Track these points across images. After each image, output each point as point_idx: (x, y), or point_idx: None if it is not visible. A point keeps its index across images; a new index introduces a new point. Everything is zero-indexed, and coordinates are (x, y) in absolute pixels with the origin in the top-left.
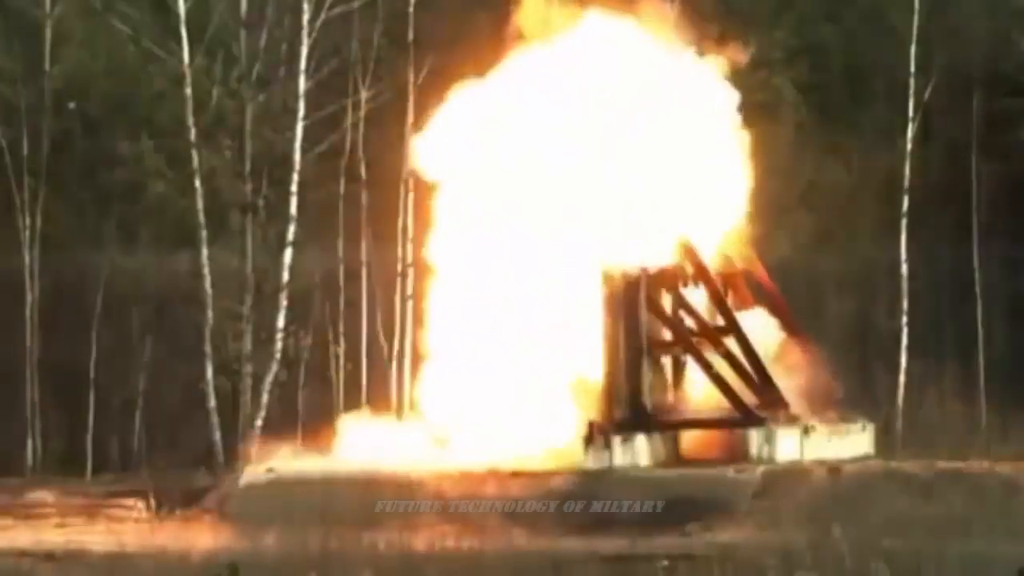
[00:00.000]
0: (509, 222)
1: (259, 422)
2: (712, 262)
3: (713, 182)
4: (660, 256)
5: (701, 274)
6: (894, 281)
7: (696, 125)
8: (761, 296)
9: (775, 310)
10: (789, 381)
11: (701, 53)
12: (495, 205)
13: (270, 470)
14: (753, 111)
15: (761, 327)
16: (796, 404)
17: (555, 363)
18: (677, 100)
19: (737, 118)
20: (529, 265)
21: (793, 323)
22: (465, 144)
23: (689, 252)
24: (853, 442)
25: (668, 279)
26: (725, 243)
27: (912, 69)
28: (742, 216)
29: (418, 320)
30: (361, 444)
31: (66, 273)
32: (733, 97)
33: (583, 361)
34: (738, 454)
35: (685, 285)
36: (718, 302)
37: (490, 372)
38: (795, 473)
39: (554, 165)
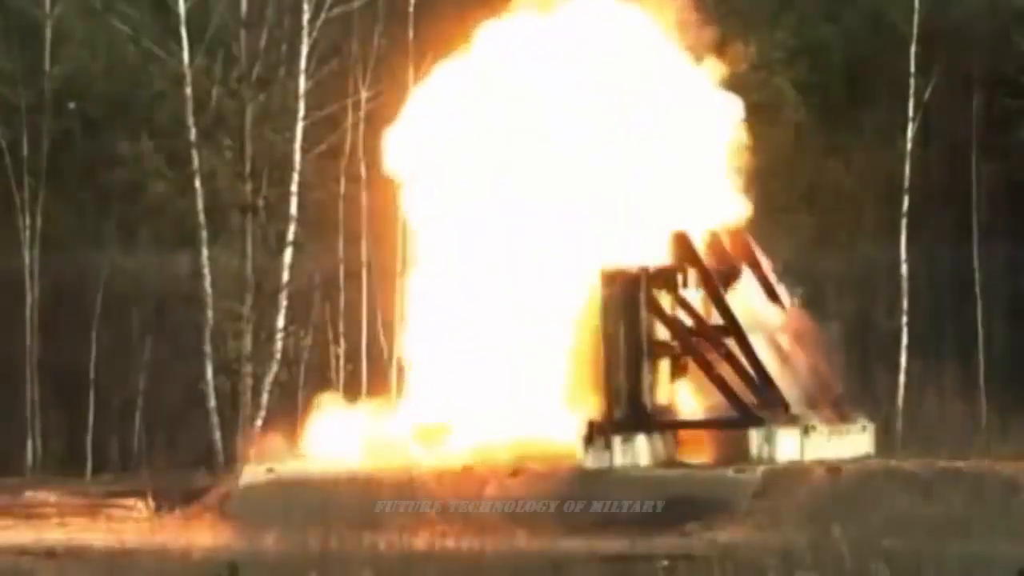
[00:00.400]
0: (492, 209)
1: (259, 422)
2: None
3: (703, 172)
4: (651, 245)
5: (697, 267)
6: (894, 281)
7: (686, 113)
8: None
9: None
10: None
11: (701, 54)
12: (478, 192)
13: (270, 470)
14: (753, 111)
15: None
16: (795, 400)
17: (544, 352)
18: (666, 87)
19: (725, 101)
20: (514, 254)
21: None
22: (445, 129)
23: (684, 244)
24: (853, 442)
25: (668, 279)
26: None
27: (912, 69)
28: (733, 204)
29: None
30: (335, 436)
31: (66, 273)
32: (715, 77)
33: (575, 352)
34: (737, 454)
35: (685, 285)
36: (717, 301)
37: (480, 361)
38: (795, 473)
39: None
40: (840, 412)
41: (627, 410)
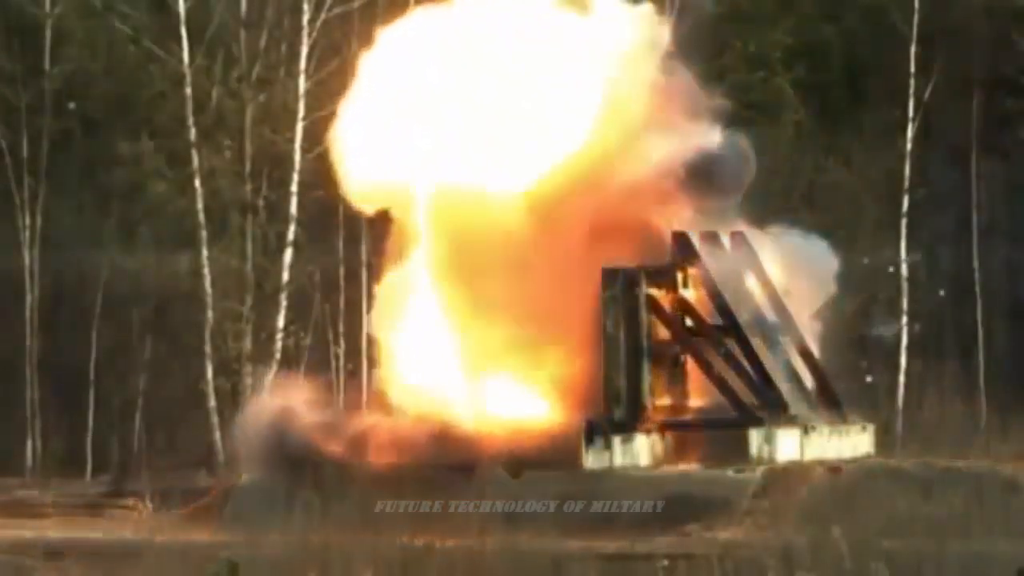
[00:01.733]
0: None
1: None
2: None
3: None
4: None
5: (695, 265)
6: (894, 281)
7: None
8: None
9: None
10: None
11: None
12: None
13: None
14: (753, 111)
15: None
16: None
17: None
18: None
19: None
20: None
21: None
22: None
23: (684, 244)
24: (853, 442)
25: (668, 279)
26: None
27: (912, 69)
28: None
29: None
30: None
31: (66, 273)
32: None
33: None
34: (736, 454)
35: (685, 285)
36: (717, 301)
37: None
38: (795, 473)
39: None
40: (839, 412)
41: (627, 410)
